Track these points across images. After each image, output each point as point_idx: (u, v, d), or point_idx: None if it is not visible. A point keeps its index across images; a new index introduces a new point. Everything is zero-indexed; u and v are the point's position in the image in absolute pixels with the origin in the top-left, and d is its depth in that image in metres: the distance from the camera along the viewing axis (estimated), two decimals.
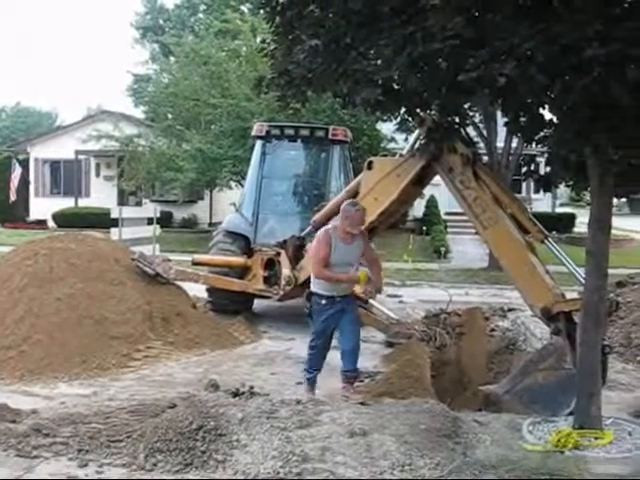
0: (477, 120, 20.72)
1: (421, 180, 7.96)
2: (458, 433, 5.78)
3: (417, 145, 7.62)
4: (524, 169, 6.32)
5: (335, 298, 7.03)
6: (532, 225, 6.99)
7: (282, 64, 5.70)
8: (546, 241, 6.96)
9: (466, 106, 5.99)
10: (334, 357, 9.35)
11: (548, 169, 6.04)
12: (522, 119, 5.44)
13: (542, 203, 30.57)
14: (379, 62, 5.11)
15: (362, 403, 6.32)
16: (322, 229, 7.12)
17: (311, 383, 7.33)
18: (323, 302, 7.03)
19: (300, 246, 9.44)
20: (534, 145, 5.92)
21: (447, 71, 4.75)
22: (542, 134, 5.62)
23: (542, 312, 6.51)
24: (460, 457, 5.34)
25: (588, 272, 5.68)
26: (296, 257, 9.41)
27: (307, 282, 9.50)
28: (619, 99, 4.10)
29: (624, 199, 60.40)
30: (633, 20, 4.00)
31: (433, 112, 6.33)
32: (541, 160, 6.34)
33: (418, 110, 6.24)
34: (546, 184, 5.98)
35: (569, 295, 6.61)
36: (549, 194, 28.86)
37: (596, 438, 5.65)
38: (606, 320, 6.45)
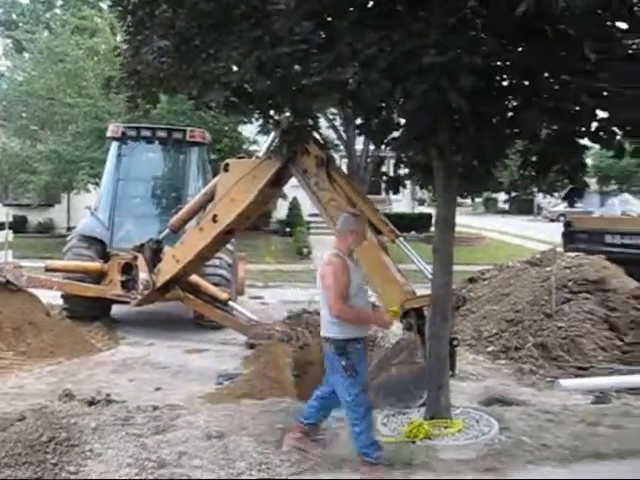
0: (337, 123, 21.16)
1: (278, 181, 8.02)
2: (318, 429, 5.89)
3: (273, 147, 7.68)
4: (385, 170, 6.51)
5: (364, 339, 5.41)
6: (384, 225, 7.19)
7: (131, 64, 5.61)
8: (397, 240, 7.19)
9: (318, 109, 6.09)
10: (193, 359, 9.34)
11: (406, 171, 6.26)
12: (373, 122, 5.62)
13: (402, 204, 31.52)
14: (229, 64, 5.13)
15: None
16: (330, 255, 5.39)
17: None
18: (359, 346, 5.23)
19: (157, 250, 9.29)
20: (384, 147, 6.11)
21: (296, 74, 4.84)
22: (391, 137, 5.82)
23: None
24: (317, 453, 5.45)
25: (435, 269, 5.94)
26: (154, 261, 9.25)
27: (166, 285, 9.39)
28: (457, 105, 4.31)
29: (480, 199, 63.45)
30: (467, 30, 4.23)
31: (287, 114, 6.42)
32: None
33: (272, 112, 6.31)
34: (395, 185, 6.18)
35: (420, 292, 6.85)
36: (408, 195, 29.83)
37: (446, 427, 5.91)
38: (454, 314, 6.74)
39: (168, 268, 9.11)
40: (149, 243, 9.34)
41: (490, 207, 64.94)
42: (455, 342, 6.58)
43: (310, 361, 9.78)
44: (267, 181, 7.82)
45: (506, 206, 64.20)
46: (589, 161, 48.06)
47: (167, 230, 9.47)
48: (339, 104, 5.49)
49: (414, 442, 5.67)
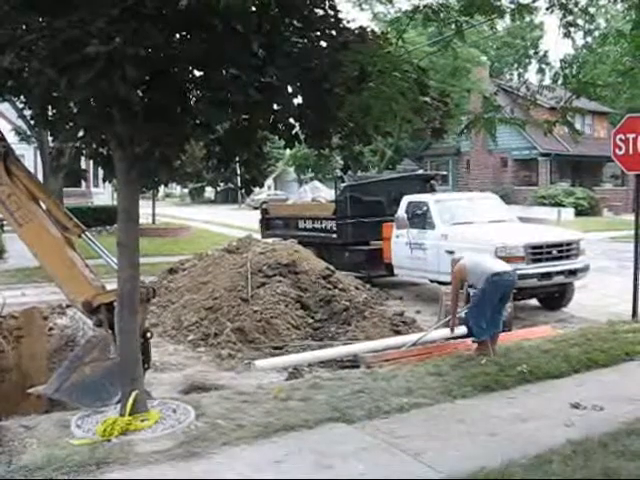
0: (28, 112, 19.95)
1: None
2: (2, 442, 5.56)
3: None
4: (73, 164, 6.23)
5: None
6: (68, 220, 6.93)
7: None
8: (83, 235, 6.98)
9: None
10: None
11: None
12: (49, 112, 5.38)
13: (104, 197, 30.59)
14: None
15: None
16: None
17: None
18: None
19: None
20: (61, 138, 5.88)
21: None
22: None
23: (83, 306, 6.51)
24: (4, 466, 5.16)
25: (120, 263, 5.86)
26: None
27: None
28: (125, 95, 4.28)
29: (186, 189, 63.74)
30: (132, 20, 4.20)
31: None
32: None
33: None
34: (76, 177, 5.99)
35: (111, 286, 6.70)
36: (109, 188, 29.03)
37: (142, 420, 5.87)
38: (146, 307, 6.70)
39: None
40: None
41: (196, 197, 65.47)
42: (148, 334, 6.56)
43: (6, 368, 9.15)
44: None
45: (212, 196, 65.29)
46: (287, 150, 50.66)
47: None
48: (8, 93, 5.15)
49: (109, 440, 5.57)
